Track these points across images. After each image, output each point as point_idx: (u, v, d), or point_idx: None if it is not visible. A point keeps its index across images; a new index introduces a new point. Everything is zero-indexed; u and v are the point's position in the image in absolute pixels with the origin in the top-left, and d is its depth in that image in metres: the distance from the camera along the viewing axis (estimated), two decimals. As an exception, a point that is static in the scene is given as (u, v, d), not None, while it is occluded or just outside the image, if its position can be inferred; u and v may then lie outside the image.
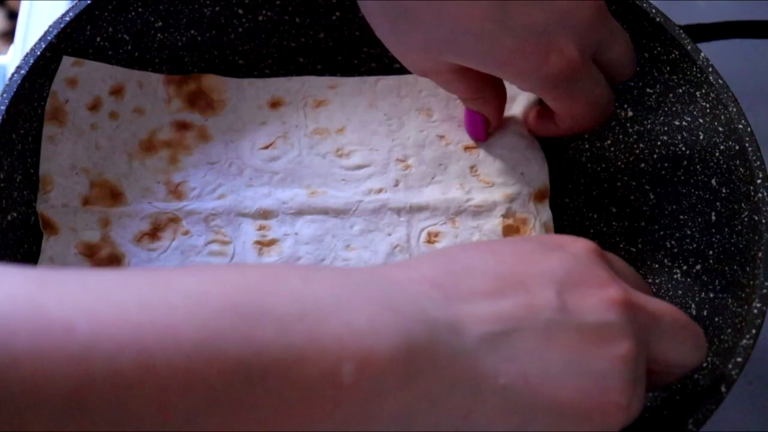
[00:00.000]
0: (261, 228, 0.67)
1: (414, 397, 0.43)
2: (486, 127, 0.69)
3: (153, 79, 0.70)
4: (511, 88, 0.71)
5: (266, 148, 0.69)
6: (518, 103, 0.71)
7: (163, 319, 0.41)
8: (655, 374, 0.52)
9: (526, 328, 0.47)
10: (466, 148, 0.70)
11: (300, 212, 0.67)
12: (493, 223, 0.67)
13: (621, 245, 0.69)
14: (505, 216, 0.68)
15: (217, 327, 0.41)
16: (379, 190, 0.68)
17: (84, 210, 0.66)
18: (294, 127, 0.70)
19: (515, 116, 0.71)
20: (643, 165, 0.70)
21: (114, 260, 0.65)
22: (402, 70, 0.73)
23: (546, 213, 0.68)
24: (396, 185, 0.68)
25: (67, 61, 0.68)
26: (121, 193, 0.67)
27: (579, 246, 0.51)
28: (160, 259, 0.65)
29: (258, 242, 0.66)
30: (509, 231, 0.67)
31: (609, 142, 0.71)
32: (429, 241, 0.67)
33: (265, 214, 0.67)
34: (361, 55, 0.74)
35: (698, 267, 0.66)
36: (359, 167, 0.69)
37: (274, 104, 0.71)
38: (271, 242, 0.66)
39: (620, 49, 0.64)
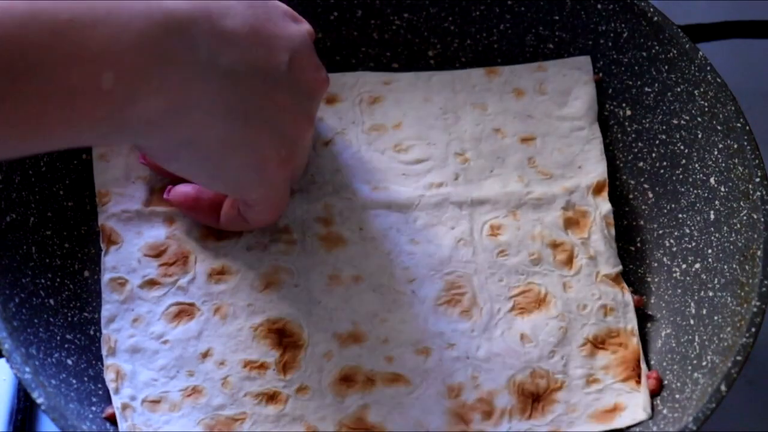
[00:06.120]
0: (326, 223, 0.67)
1: (163, 102, 0.52)
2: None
3: None
4: (564, 82, 0.71)
5: (326, 144, 0.70)
6: (575, 96, 0.72)
7: None
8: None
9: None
10: (523, 140, 0.70)
11: (363, 207, 0.68)
12: (554, 215, 0.67)
13: (620, 243, 0.69)
14: (565, 208, 0.68)
15: None
16: (440, 185, 0.68)
17: (148, 210, 0.67)
18: (351, 123, 0.70)
19: (574, 109, 0.71)
20: (641, 164, 0.70)
21: (181, 258, 0.65)
22: (398, 69, 0.74)
23: (605, 206, 0.68)
24: (456, 179, 0.68)
25: None
26: None
27: (307, 26, 0.61)
28: (228, 256, 0.65)
29: (323, 237, 0.67)
30: (570, 223, 0.68)
31: (608, 141, 0.71)
32: (492, 234, 0.67)
33: (329, 209, 0.68)
34: (359, 55, 0.74)
35: (697, 265, 0.66)
36: (418, 161, 0.69)
37: (330, 100, 0.71)
38: (337, 237, 0.67)
39: None
